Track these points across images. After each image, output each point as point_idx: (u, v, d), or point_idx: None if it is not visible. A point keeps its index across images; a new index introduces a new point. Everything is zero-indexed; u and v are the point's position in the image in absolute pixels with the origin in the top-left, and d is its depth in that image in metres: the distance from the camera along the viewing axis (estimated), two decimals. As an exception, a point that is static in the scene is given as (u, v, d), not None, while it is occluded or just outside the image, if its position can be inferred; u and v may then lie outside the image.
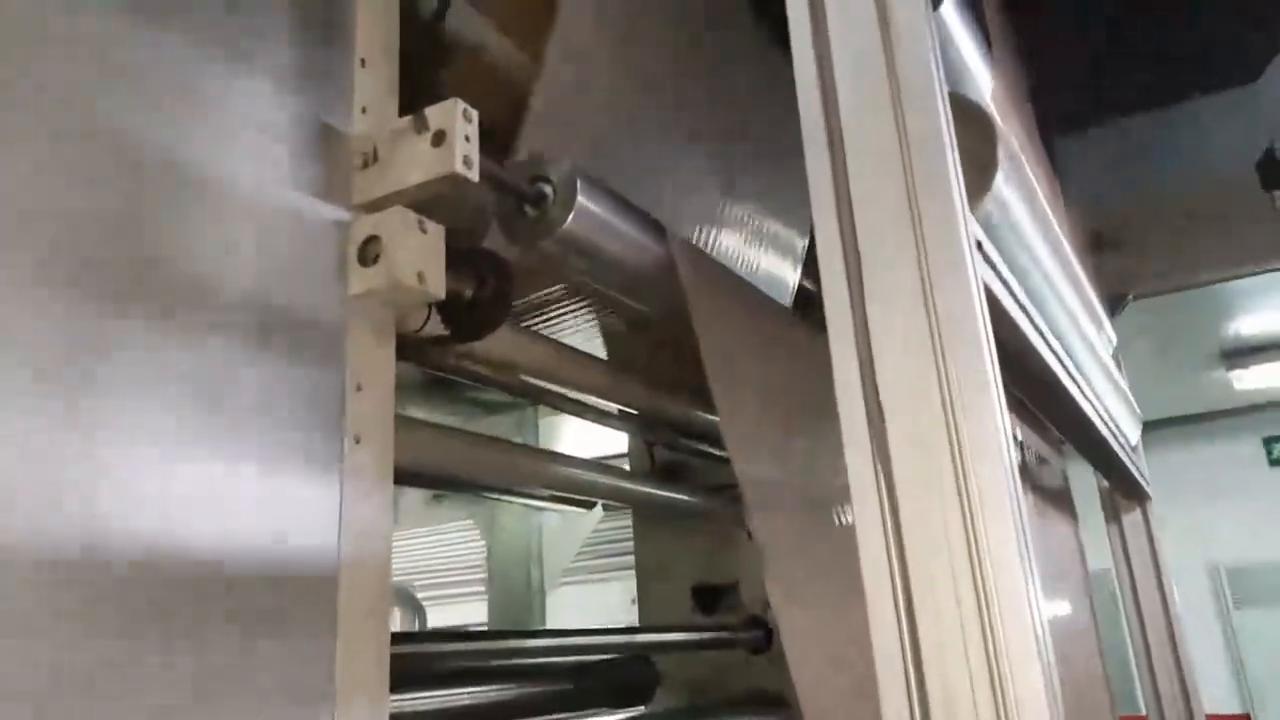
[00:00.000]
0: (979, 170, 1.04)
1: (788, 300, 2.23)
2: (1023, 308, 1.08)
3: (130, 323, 0.93)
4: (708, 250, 2.04)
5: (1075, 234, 2.03)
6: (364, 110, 1.25)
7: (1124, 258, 2.41)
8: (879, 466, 0.83)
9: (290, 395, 1.09)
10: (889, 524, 0.82)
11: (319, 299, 1.14)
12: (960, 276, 0.81)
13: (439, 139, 1.14)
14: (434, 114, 1.15)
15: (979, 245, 0.85)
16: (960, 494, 0.84)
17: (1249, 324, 5.81)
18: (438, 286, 1.18)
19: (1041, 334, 1.17)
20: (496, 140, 1.95)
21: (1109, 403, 1.88)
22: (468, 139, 1.15)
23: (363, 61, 1.27)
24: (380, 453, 1.17)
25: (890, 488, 0.83)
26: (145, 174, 0.97)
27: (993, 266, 0.94)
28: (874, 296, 0.83)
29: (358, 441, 1.14)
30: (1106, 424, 1.77)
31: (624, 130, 1.74)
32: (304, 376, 1.11)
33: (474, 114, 1.16)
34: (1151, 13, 1.72)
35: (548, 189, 1.32)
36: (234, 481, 0.98)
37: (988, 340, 0.82)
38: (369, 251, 1.16)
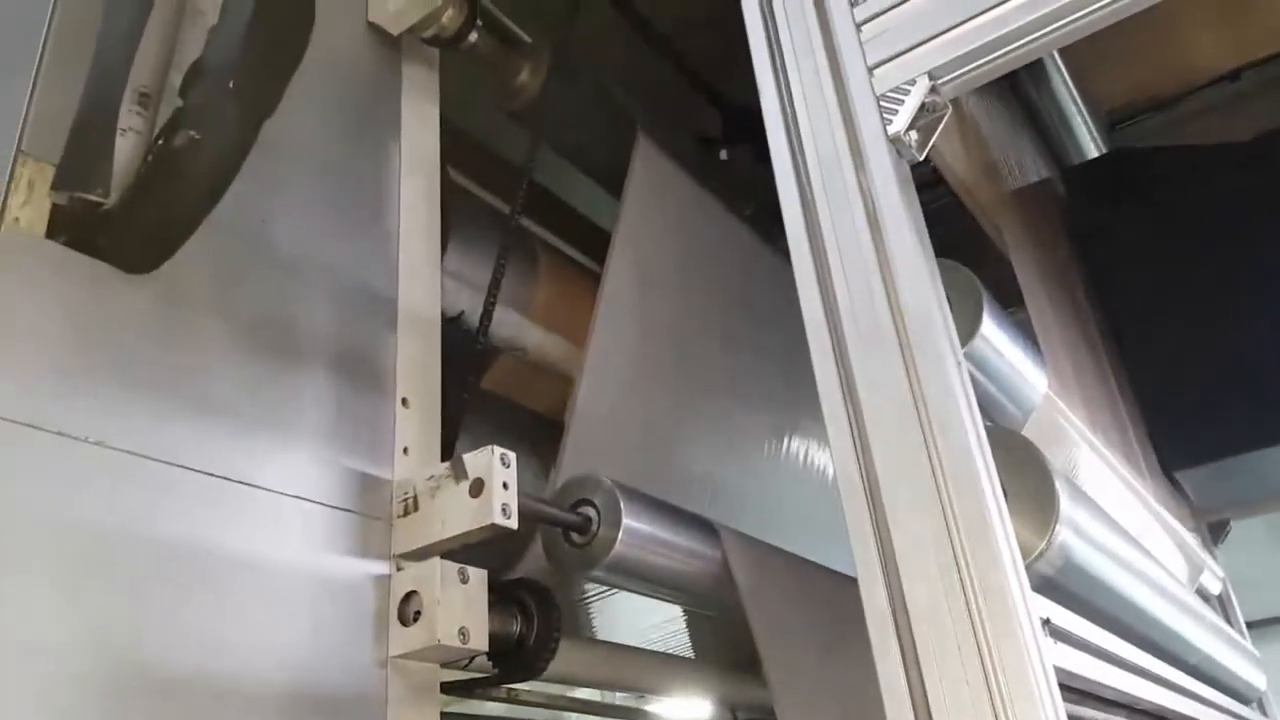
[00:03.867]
0: (1040, 497, 0.98)
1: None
2: (1114, 659, 0.98)
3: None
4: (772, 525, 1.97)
5: (1162, 483, 1.93)
6: (406, 451, 1.26)
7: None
8: None
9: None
10: None
11: (358, 664, 1.09)
12: (1023, 669, 0.73)
13: (477, 488, 1.13)
14: (472, 462, 1.14)
15: (1046, 623, 0.77)
16: None
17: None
18: (480, 640, 1.12)
19: (1142, 671, 1.06)
20: (544, 426, 1.97)
21: (1226, 666, 1.70)
22: (505, 486, 1.13)
23: (404, 401, 1.29)
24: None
25: None
26: (159, 570, 0.96)
27: (1068, 639, 0.86)
28: (936, 697, 0.75)
29: (398, 826, 1.05)
30: (1224, 709, 1.59)
31: (672, 424, 1.73)
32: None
33: (511, 458, 1.15)
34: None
35: (592, 513, 1.29)
36: None
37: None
38: (409, 608, 1.12)
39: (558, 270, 1.97)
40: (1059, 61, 2.07)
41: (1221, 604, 2.33)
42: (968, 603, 0.76)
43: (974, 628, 0.75)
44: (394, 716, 1.08)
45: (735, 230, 2.11)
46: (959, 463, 0.79)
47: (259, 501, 1.06)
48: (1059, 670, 0.80)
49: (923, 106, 0.92)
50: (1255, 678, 2.12)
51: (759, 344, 2.10)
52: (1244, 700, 2.01)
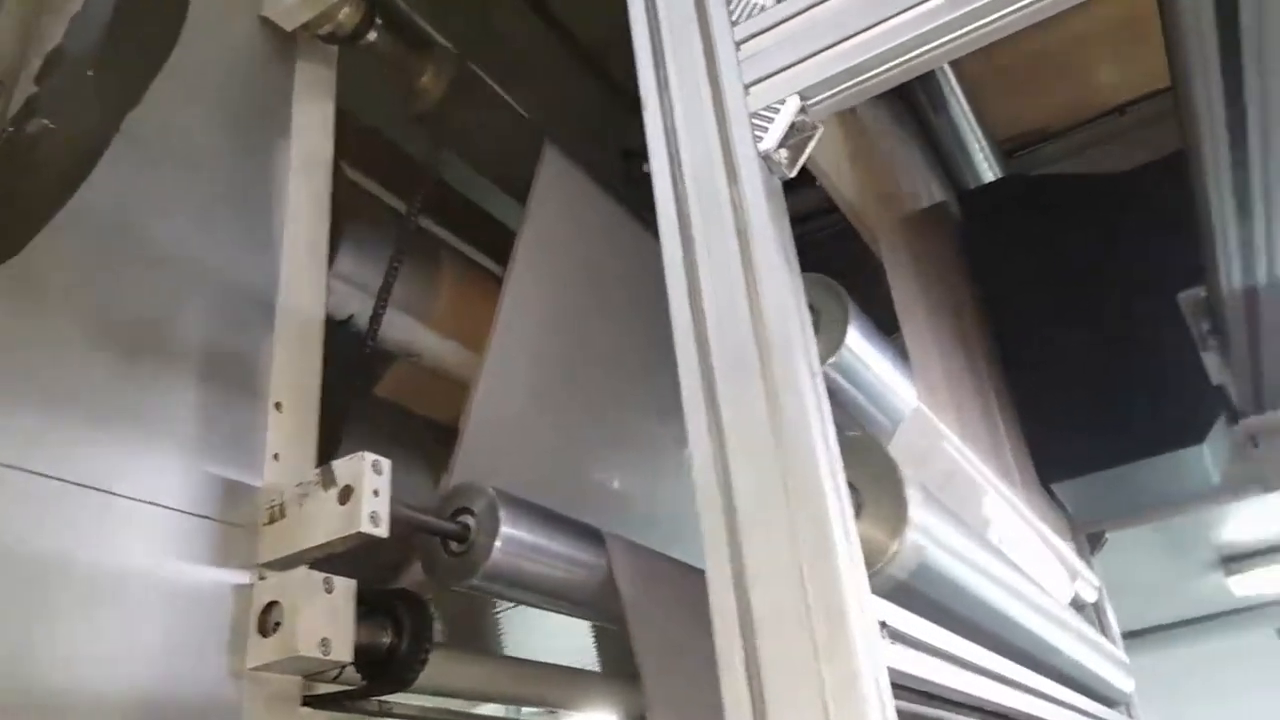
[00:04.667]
0: (893, 502, 1.01)
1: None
2: (961, 661, 1.01)
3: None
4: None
5: (1038, 495, 2.01)
6: (276, 457, 1.22)
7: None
8: None
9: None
10: None
11: (213, 675, 1.05)
12: (854, 669, 0.74)
13: (345, 495, 1.10)
14: (341, 468, 1.12)
15: (884, 625, 0.79)
16: None
17: (1242, 531, 5.65)
18: (344, 651, 1.09)
19: (991, 673, 1.10)
20: (442, 434, 1.94)
21: (1093, 671, 1.76)
22: (376, 493, 1.10)
23: (278, 405, 1.25)
24: None
25: None
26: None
27: (909, 642, 0.88)
28: (774, 697, 0.76)
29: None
30: (1086, 712, 1.66)
31: (577, 434, 1.72)
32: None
33: (385, 464, 1.13)
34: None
35: (470, 521, 1.27)
36: None
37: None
38: (269, 619, 1.09)
39: (462, 275, 1.94)
40: (957, 89, 2.15)
41: (1096, 612, 2.43)
42: (808, 608, 0.77)
43: (811, 633, 0.76)
44: (248, 729, 1.05)
45: (646, 242, 2.11)
46: (805, 473, 0.80)
47: (113, 508, 1.02)
48: (897, 671, 0.81)
49: (793, 125, 0.94)
50: (1122, 682, 2.21)
51: (668, 355, 2.10)
52: (1110, 704, 2.09)
